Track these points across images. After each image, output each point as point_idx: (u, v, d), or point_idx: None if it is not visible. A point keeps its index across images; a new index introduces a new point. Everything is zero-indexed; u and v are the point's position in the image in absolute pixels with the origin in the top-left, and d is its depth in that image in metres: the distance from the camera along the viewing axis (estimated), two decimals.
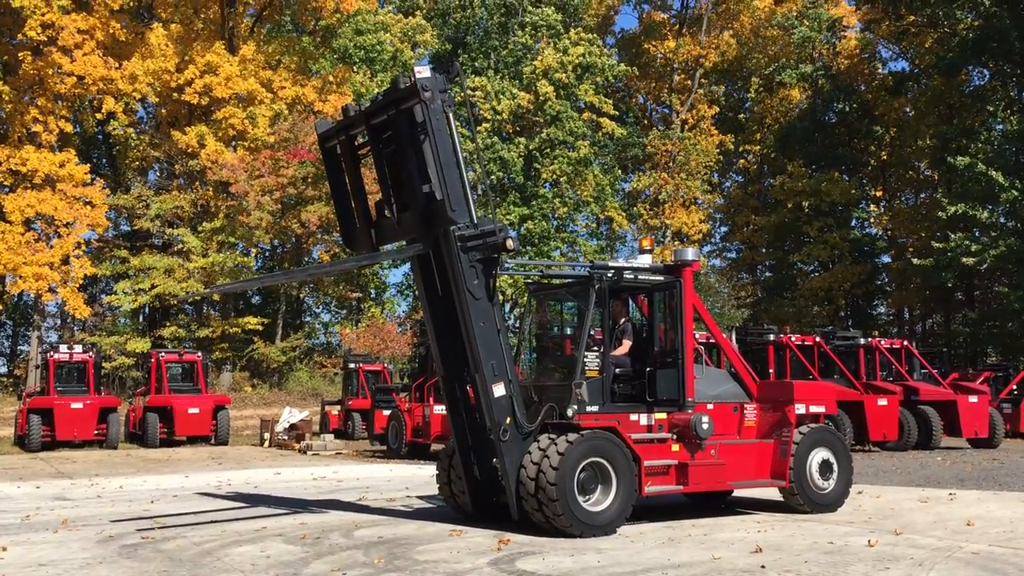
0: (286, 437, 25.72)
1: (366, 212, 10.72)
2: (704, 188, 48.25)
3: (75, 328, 39.25)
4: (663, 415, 10.13)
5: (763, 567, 7.55)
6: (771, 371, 21.88)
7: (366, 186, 10.98)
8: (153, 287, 35.64)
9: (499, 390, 9.35)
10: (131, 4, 37.06)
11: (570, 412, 9.50)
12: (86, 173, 35.44)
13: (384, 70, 39.84)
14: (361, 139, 10.88)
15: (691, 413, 10.04)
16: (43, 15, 32.91)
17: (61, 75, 34.11)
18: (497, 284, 9.78)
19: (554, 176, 41.03)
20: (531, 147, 41.03)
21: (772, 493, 11.37)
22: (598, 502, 9.27)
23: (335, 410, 29.44)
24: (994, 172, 32.85)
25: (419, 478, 15.66)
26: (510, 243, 9.35)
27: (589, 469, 9.23)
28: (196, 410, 26.13)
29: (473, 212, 9.45)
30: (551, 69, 40.83)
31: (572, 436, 9.19)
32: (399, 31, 41.51)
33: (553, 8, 43.10)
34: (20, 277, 33.19)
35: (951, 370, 28.20)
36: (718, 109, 50.58)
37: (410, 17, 42.99)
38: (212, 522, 10.49)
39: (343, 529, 9.79)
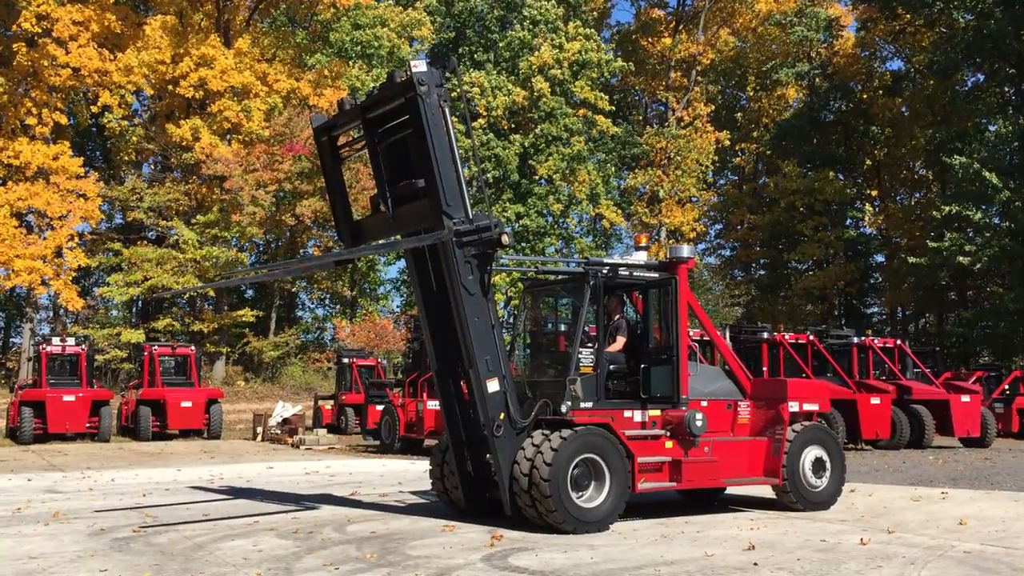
0: (279, 431, 25.68)
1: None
2: (700, 186, 48.23)
3: (68, 321, 39.10)
4: (657, 412, 10.13)
5: (756, 564, 7.55)
6: (764, 369, 21.92)
7: (361, 180, 10.94)
8: (146, 279, 35.53)
9: (493, 385, 9.34)
10: None
11: (564, 408, 9.48)
12: (80, 166, 35.30)
13: (381, 65, 39.73)
14: (356, 133, 10.84)
15: (685, 410, 10.03)
16: (38, 6, 32.75)
17: (56, 67, 33.95)
18: (492, 279, 9.75)
19: (549, 173, 40.98)
20: (526, 143, 40.96)
21: (765, 491, 11.38)
22: (591, 498, 9.26)
23: (328, 405, 29.38)
24: (988, 173, 32.94)
25: (412, 473, 15.64)
26: (505, 238, 9.34)
27: (582, 465, 9.23)
28: (189, 404, 26.10)
29: (468, 207, 9.42)
30: (547, 65, 40.76)
31: (566, 432, 9.18)
32: (397, 25, 41.37)
33: (554, 2, 42.96)
34: (12, 271, 33.02)
35: (944, 369, 28.27)
36: (714, 107, 50.58)
37: (409, 10, 42.85)
38: (204, 516, 10.46)
39: (335, 524, 9.77)
